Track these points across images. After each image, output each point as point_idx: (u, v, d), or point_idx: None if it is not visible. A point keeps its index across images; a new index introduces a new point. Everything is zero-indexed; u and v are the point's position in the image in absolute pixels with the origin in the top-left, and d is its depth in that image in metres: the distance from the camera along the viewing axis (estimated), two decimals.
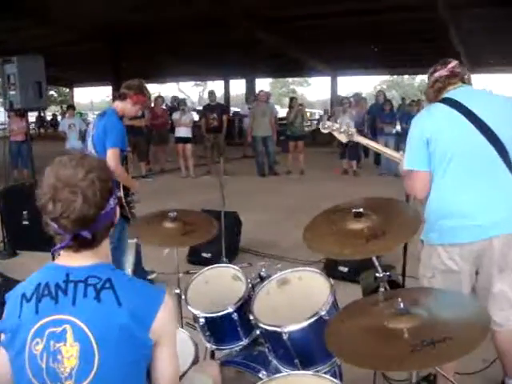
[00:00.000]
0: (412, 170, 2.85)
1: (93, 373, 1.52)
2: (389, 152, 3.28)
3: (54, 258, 1.72)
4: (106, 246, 1.68)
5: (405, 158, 2.89)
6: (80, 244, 1.58)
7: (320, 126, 3.29)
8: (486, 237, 2.72)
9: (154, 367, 1.65)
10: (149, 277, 5.41)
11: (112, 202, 1.64)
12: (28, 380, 1.55)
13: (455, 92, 2.85)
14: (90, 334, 1.52)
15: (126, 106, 4.57)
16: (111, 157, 4.24)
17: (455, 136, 2.72)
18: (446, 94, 2.87)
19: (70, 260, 1.62)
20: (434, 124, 2.77)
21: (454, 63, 2.93)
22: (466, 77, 2.93)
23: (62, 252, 1.63)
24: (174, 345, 1.69)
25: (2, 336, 1.62)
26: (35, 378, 1.54)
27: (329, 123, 3.24)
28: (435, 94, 2.94)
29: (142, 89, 4.60)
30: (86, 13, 15.33)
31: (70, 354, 1.52)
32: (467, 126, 2.70)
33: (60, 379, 1.53)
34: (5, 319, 1.61)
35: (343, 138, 3.23)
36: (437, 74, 2.92)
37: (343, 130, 3.19)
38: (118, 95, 4.74)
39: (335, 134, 3.23)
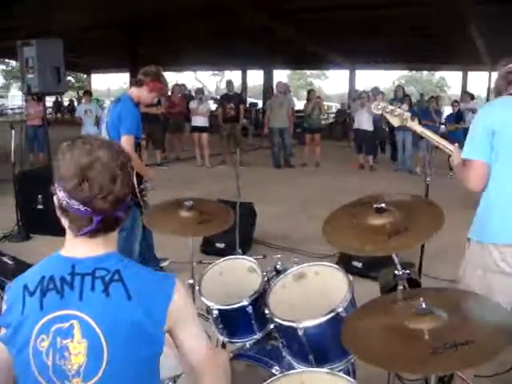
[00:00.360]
0: (468, 159, 2.72)
1: (102, 370, 1.47)
2: (443, 143, 3.12)
3: None
4: (115, 234, 1.63)
5: (464, 146, 2.77)
6: (106, 226, 1.53)
7: (372, 107, 3.13)
8: None
9: (180, 347, 1.64)
10: (161, 264, 5.39)
11: (131, 184, 1.61)
12: (34, 378, 1.49)
13: None
14: (98, 329, 1.46)
15: (141, 93, 4.53)
16: (125, 143, 4.22)
17: None
18: None
19: (76, 250, 1.55)
20: (503, 116, 2.66)
21: None
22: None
23: (67, 241, 1.57)
24: (196, 325, 1.67)
25: (2, 330, 1.56)
26: (41, 375, 1.49)
27: (383, 104, 3.08)
28: (506, 86, 2.78)
29: (158, 76, 4.55)
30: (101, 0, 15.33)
31: (77, 350, 1.47)
32: None
33: (67, 377, 1.47)
34: (5, 313, 1.55)
35: (396, 122, 3.04)
36: (511, 65, 2.79)
37: (398, 113, 3.01)
38: (134, 81, 4.70)
39: (387, 116, 3.05)
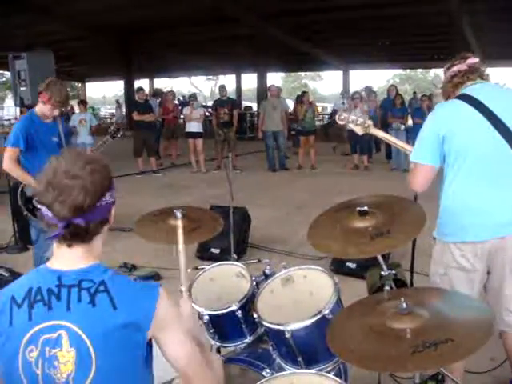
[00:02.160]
0: (416, 163, 2.80)
1: (90, 377, 1.51)
2: (404, 146, 3.22)
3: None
4: (98, 246, 1.67)
5: (413, 149, 2.85)
6: (72, 234, 1.56)
7: (336, 117, 3.22)
8: (499, 235, 2.68)
9: (166, 355, 1.66)
10: None
11: (108, 197, 1.62)
12: None
13: (473, 88, 2.76)
14: (86, 338, 1.50)
15: (39, 106, 4.61)
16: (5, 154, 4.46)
17: (472, 135, 2.66)
18: (463, 90, 2.79)
19: (62, 263, 1.60)
20: (451, 121, 2.71)
21: (473, 59, 2.84)
22: (486, 73, 2.87)
23: (53, 254, 1.62)
24: (182, 332, 1.68)
25: None
26: None
27: (345, 115, 3.18)
28: (453, 89, 2.86)
29: (47, 87, 4.49)
30: (94, 8, 15.37)
31: (66, 359, 1.50)
32: (485, 124, 2.63)
33: None
34: None
35: (359, 131, 3.17)
36: (455, 69, 2.84)
37: (360, 122, 3.13)
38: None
39: (351, 125, 3.17)
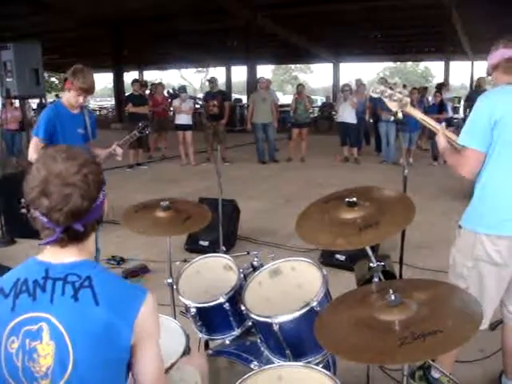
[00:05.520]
0: (468, 148, 2.66)
1: (68, 372, 1.48)
2: (435, 125, 2.95)
3: None
4: (91, 243, 1.66)
5: (462, 132, 2.70)
6: (70, 237, 1.55)
7: (371, 91, 3.06)
8: None
9: (135, 366, 1.62)
10: None
11: (101, 195, 1.61)
12: (4, 380, 1.51)
13: None
14: (64, 332, 1.48)
15: (65, 95, 4.47)
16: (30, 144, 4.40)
17: None
18: None
19: (52, 256, 1.58)
20: (506, 108, 2.59)
21: None
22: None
23: (46, 247, 1.60)
24: (157, 345, 1.65)
25: None
26: (11, 377, 1.50)
27: (382, 87, 2.99)
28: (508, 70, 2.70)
29: (72, 74, 4.34)
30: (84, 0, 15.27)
31: (45, 352, 1.48)
32: None
33: (36, 378, 1.49)
34: None
35: (394, 107, 2.97)
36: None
37: (397, 97, 2.94)
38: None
39: (386, 100, 2.97)
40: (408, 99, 2.94)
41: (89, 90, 4.33)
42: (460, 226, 2.85)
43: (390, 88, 3.01)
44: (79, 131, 4.43)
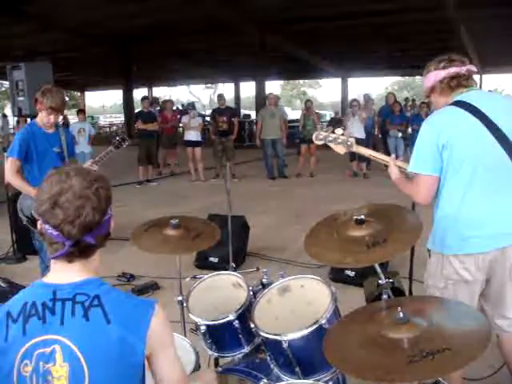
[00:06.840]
0: (420, 174, 2.70)
1: None
2: (384, 158, 3.07)
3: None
4: (96, 259, 1.67)
5: (412, 160, 2.73)
6: (80, 251, 1.58)
7: (313, 138, 3.03)
8: (500, 246, 2.64)
9: (155, 375, 1.65)
10: None
11: (109, 211, 1.64)
12: None
13: (469, 95, 2.69)
14: (79, 353, 1.50)
15: (38, 115, 4.56)
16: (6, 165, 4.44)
17: (473, 144, 2.60)
18: (458, 97, 2.70)
19: (58, 277, 1.60)
20: (451, 129, 2.62)
21: (472, 66, 2.76)
22: (477, 80, 2.81)
23: (51, 268, 1.62)
24: (173, 351, 1.67)
25: None
26: None
27: (324, 133, 3.02)
28: (449, 90, 2.74)
29: (42, 94, 4.43)
30: (93, 18, 15.41)
31: (59, 374, 1.49)
32: (485, 133, 2.58)
33: None
34: None
35: (341, 150, 3.04)
36: (453, 70, 2.71)
37: (341, 140, 2.99)
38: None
39: (331, 145, 3.02)
40: (352, 139, 3.02)
41: (59, 109, 4.45)
42: (429, 250, 2.88)
43: (333, 132, 3.05)
44: (55, 150, 4.53)
